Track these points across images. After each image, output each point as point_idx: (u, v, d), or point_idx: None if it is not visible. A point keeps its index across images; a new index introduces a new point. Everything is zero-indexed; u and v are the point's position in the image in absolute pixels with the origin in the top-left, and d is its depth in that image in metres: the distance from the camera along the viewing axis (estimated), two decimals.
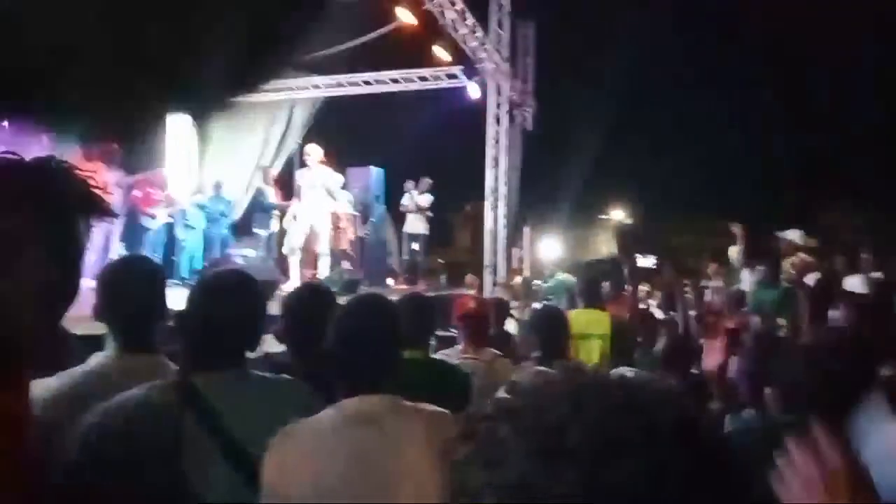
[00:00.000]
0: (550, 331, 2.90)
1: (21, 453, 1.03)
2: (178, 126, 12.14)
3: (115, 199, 7.33)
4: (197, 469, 1.17)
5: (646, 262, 19.58)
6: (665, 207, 23.29)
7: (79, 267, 0.95)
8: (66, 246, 0.92)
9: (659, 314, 5.96)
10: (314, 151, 8.36)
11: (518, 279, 9.66)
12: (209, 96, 12.01)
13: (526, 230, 12.17)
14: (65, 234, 0.92)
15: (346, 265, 9.83)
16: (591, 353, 3.61)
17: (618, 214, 26.61)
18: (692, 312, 4.52)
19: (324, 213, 8.25)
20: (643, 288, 8.38)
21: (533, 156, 11.74)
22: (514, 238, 11.69)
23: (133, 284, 1.60)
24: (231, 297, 1.36)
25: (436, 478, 1.29)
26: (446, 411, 1.44)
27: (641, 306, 6.88)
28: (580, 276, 3.94)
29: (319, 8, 9.31)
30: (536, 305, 5.41)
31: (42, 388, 1.33)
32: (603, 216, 26.21)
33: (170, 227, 9.10)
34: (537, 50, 12.54)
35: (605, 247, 25.02)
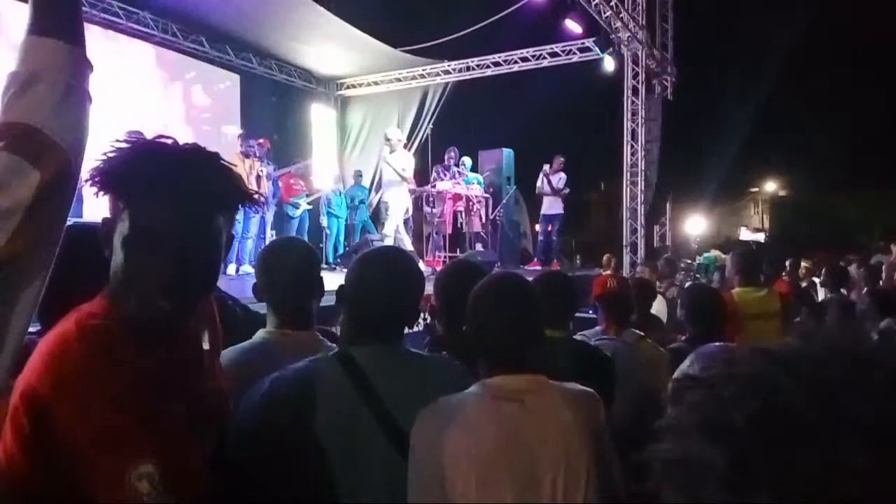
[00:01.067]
0: (704, 310, 2.70)
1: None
2: (321, 117, 12.86)
3: (266, 190, 7.92)
4: (353, 440, 1.20)
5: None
6: (824, 179, 21.01)
7: (219, 254, 1.03)
8: (206, 233, 0.99)
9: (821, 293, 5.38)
10: (397, 134, 8.64)
11: (661, 258, 9.19)
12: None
13: (668, 206, 11.53)
14: (206, 222, 0.99)
15: (479, 247, 9.91)
16: (765, 334, 3.27)
17: (770, 187, 24.43)
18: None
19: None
20: (805, 265, 7.63)
21: (675, 127, 11.02)
22: (655, 215, 11.11)
23: (289, 264, 1.68)
24: (389, 273, 1.38)
25: (584, 455, 1.25)
26: (591, 390, 1.39)
27: (802, 285, 6.27)
28: (739, 252, 3.57)
29: None
30: (685, 285, 5.09)
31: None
32: (753, 189, 24.18)
33: (313, 215, 9.66)
34: (677, 14, 11.74)
35: (755, 222, 23.12)
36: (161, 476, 0.89)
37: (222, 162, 1.04)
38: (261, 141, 8.11)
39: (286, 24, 10.08)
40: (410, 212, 8.80)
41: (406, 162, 8.18)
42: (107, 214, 1.01)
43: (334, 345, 1.61)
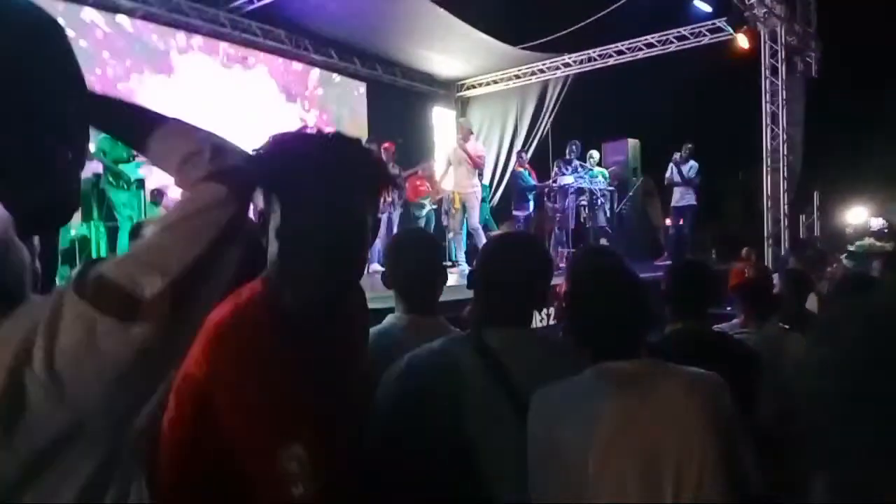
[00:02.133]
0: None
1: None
2: (442, 119, 13.13)
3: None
4: (485, 417, 1.25)
5: None
6: None
7: (367, 239, 1.06)
8: (353, 219, 1.02)
9: None
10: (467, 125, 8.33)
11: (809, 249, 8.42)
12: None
13: (815, 194, 10.53)
14: (353, 207, 1.02)
15: (603, 242, 9.63)
16: None
17: None
18: None
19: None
20: None
21: (822, 108, 10.05)
22: (800, 204, 10.20)
23: (416, 252, 1.76)
24: (520, 257, 1.42)
25: (707, 442, 1.19)
26: (715, 374, 1.32)
27: None
28: None
29: None
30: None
31: None
32: None
33: (437, 215, 9.87)
34: None
35: None
36: (309, 457, 0.94)
37: (365, 146, 1.08)
38: (386, 145, 8.42)
39: (409, 31, 10.45)
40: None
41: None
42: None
43: (458, 329, 1.66)
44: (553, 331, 2.03)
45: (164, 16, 8.91)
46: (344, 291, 1.03)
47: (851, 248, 7.13)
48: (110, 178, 6.55)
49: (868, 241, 6.94)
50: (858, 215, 10.60)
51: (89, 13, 8.23)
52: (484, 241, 7.38)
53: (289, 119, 10.42)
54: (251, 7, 9.31)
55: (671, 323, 2.14)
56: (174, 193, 8.38)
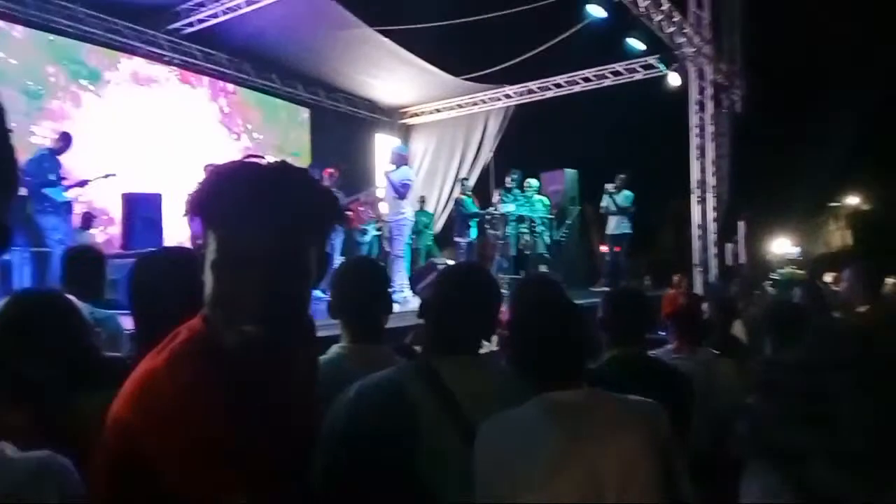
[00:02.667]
0: (789, 329, 2.58)
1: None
2: (385, 145, 13.17)
3: None
4: (434, 446, 1.25)
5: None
6: None
7: (310, 275, 0.99)
8: (294, 255, 0.95)
9: None
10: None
11: (736, 277, 8.85)
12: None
13: (741, 224, 11.10)
14: (294, 243, 0.95)
15: (542, 269, 9.83)
16: None
17: (851, 201, 23.12)
18: None
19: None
20: (892, 280, 7.15)
21: (746, 142, 10.66)
22: (727, 233, 10.72)
23: (361, 283, 1.76)
24: (472, 288, 1.45)
25: (648, 467, 1.24)
26: (653, 401, 1.38)
27: None
28: (864, 265, 3.34)
29: (508, 17, 9.45)
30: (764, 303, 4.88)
31: None
32: (834, 203, 22.92)
33: (380, 240, 9.85)
34: (745, 26, 11.42)
35: (838, 238, 21.89)
36: None
37: (312, 180, 1.00)
38: (330, 171, 8.39)
39: (353, 58, 10.52)
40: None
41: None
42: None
43: (404, 358, 1.66)
44: (496, 358, 2.05)
45: (102, 37, 8.65)
46: (283, 327, 0.94)
47: (775, 275, 7.54)
48: (35, 203, 6.25)
49: (789, 269, 7.35)
50: (781, 245, 11.23)
51: (23, 31, 7.93)
52: (401, 272, 7.42)
53: (229, 144, 10.23)
54: (191, 30, 9.16)
55: (608, 349, 2.20)
56: (104, 216, 8.07)
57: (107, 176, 6.93)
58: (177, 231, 7.48)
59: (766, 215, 11.70)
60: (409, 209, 7.44)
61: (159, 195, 7.38)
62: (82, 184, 6.74)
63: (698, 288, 9.48)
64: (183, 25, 9.10)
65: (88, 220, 7.52)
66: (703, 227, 10.19)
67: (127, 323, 2.08)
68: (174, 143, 9.32)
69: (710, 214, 10.18)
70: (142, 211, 6.88)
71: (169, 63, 9.52)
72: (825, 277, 8.20)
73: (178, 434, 0.86)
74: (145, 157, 8.85)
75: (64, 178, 6.41)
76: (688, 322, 2.84)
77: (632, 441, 1.25)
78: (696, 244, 10.21)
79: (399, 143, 7.88)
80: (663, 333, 3.26)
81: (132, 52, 9.06)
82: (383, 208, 8.46)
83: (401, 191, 7.13)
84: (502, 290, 1.98)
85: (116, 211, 7.82)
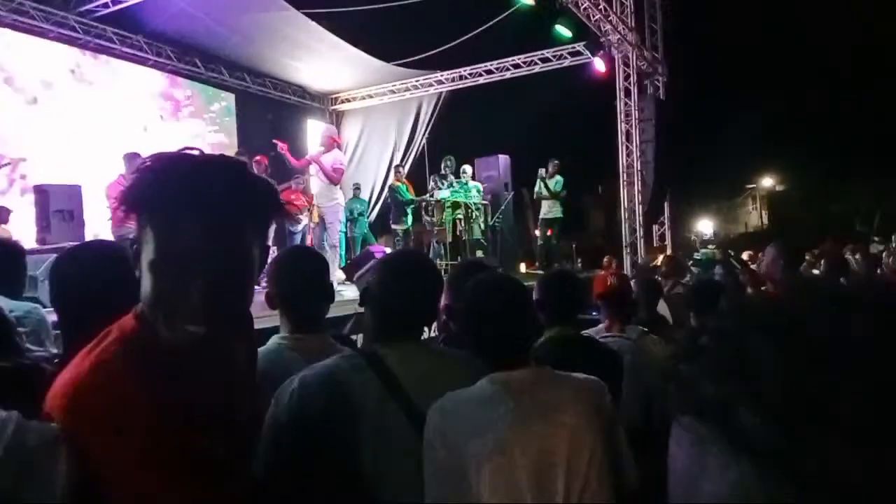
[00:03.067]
0: (712, 304, 2.74)
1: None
2: (316, 131, 12.93)
3: None
4: (381, 432, 1.26)
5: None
6: (820, 172, 21.07)
7: (252, 270, 0.96)
8: (234, 250, 0.92)
9: None
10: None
11: (661, 257, 9.24)
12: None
13: (666, 206, 11.58)
14: (234, 238, 0.93)
15: (479, 254, 9.95)
16: None
17: (767, 182, 24.50)
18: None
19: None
20: (808, 256, 7.67)
21: (669, 127, 11.10)
22: (653, 215, 11.17)
23: (301, 270, 1.74)
24: (416, 275, 1.45)
25: (595, 442, 1.30)
26: (596, 378, 1.44)
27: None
28: (782, 242, 3.53)
29: (438, 2, 9.44)
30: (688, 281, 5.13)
31: None
32: (750, 185, 24.24)
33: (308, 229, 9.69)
34: (666, 15, 11.85)
35: (754, 217, 23.17)
36: None
37: (250, 172, 0.97)
38: (257, 158, 8.17)
39: (280, 42, 10.21)
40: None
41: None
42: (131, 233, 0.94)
43: (346, 347, 1.66)
44: (436, 342, 2.08)
45: (5, 17, 8.06)
46: (223, 325, 0.90)
47: (697, 255, 7.92)
48: None
49: (711, 248, 7.75)
50: (705, 226, 11.81)
51: None
52: (337, 260, 7.28)
53: (150, 133, 9.79)
54: (105, 11, 8.66)
55: (546, 330, 2.27)
56: (18, 213, 7.57)
57: (13, 162, 6.50)
58: (100, 225, 7.13)
59: (690, 198, 12.24)
60: (341, 195, 7.08)
61: (79, 186, 6.98)
62: None
63: (628, 268, 9.85)
64: (97, 7, 8.58)
65: (3, 214, 7.06)
66: (631, 210, 10.57)
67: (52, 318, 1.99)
68: (86, 134, 8.83)
69: (637, 198, 10.56)
70: (59, 203, 6.49)
71: (82, 47, 8.99)
72: (743, 255, 8.69)
73: (114, 442, 0.83)
74: (60, 145, 8.36)
75: None
76: (618, 302, 2.95)
77: (580, 418, 1.30)
78: (624, 226, 10.58)
79: (329, 126, 7.41)
80: (595, 314, 3.38)
81: (41, 34, 8.50)
82: (318, 198, 8.24)
83: (333, 175, 6.72)
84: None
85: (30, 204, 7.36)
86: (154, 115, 10.03)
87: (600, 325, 3.01)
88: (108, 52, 9.30)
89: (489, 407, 1.27)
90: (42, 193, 6.55)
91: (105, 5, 8.56)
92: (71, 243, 5.51)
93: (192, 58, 10.35)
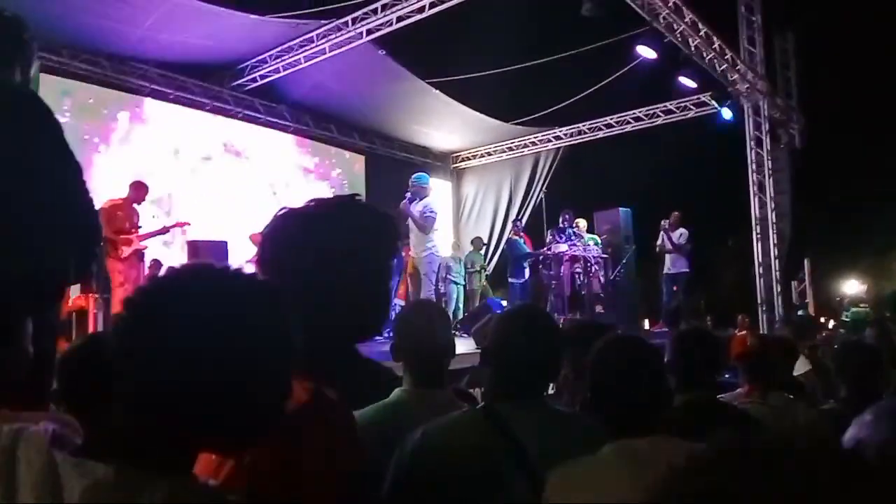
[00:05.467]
0: (862, 368, 2.47)
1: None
2: (438, 189, 13.39)
3: None
4: (499, 488, 1.25)
5: None
6: None
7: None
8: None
9: None
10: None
11: (800, 314, 8.50)
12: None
13: (806, 262, 10.69)
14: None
15: (598, 309, 9.66)
16: None
17: None
18: None
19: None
20: None
21: (807, 176, 10.37)
22: (791, 270, 10.33)
23: (423, 326, 1.78)
24: (531, 331, 1.45)
25: None
26: None
27: None
28: None
29: (556, 61, 9.60)
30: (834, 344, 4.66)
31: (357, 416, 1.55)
32: None
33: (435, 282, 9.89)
34: (799, 60, 11.24)
35: None
36: None
37: (382, 211, 1.06)
38: None
39: (406, 109, 10.93)
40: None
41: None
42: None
43: (465, 404, 1.67)
44: (554, 399, 2.03)
45: (171, 93, 9.22)
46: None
47: (845, 316, 7.20)
48: (108, 248, 6.58)
49: (862, 308, 7.01)
50: (851, 284, 10.76)
51: (96, 91, 8.54)
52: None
53: (295, 192, 10.62)
54: (254, 85, 9.66)
55: (679, 394, 2.15)
56: (170, 262, 8.43)
57: (181, 225, 7.29)
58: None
59: (834, 253, 11.21)
60: (434, 244, 6.84)
61: (225, 242, 7.69)
62: (163, 232, 7.08)
63: (764, 328, 9.13)
64: (247, 81, 9.61)
65: (156, 266, 7.89)
66: (766, 265, 9.86)
67: None
68: (238, 192, 9.75)
69: (773, 252, 9.85)
70: (208, 257, 7.14)
71: (233, 117, 10.03)
72: None
73: None
74: (213, 206, 9.30)
75: (139, 227, 6.72)
76: (759, 364, 2.75)
77: None
78: (759, 283, 9.87)
79: (418, 174, 7.21)
80: (728, 376, 3.16)
81: (200, 107, 9.60)
82: (439, 251, 8.37)
83: (423, 223, 6.56)
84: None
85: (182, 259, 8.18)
86: (293, 176, 10.90)
87: (738, 391, 2.80)
88: (255, 121, 10.30)
89: (611, 477, 1.23)
90: (194, 249, 7.26)
91: (254, 80, 9.55)
92: None
93: (328, 124, 11.21)
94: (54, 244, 2.15)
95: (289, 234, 0.97)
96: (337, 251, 0.95)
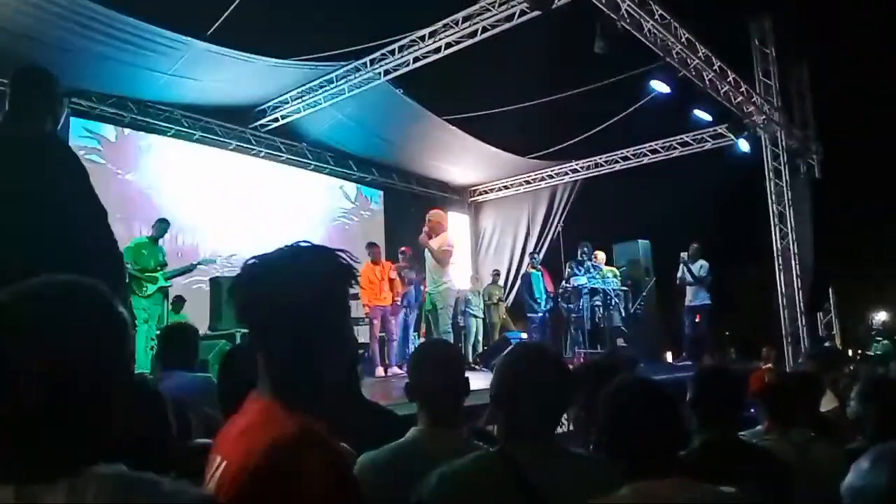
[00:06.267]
0: (886, 404, 2.42)
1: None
2: (455, 223, 13.48)
3: (400, 290, 8.25)
4: None
5: None
6: None
7: None
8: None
9: None
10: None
11: (826, 346, 8.32)
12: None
13: (831, 292, 10.51)
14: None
15: (619, 342, 9.56)
16: None
17: None
18: None
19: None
20: None
21: (828, 206, 10.26)
22: (816, 302, 10.16)
23: (437, 365, 1.80)
24: (545, 373, 1.46)
25: None
26: (738, 492, 1.34)
27: None
28: None
29: (571, 96, 9.72)
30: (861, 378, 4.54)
31: (369, 457, 1.57)
32: None
33: (453, 315, 9.88)
34: (816, 90, 11.23)
35: None
36: None
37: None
38: (403, 249, 8.66)
39: (424, 145, 11.12)
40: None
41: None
42: None
43: (481, 443, 1.68)
44: (567, 440, 2.02)
45: (195, 133, 9.48)
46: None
47: (874, 349, 7.04)
48: (133, 286, 6.72)
49: (888, 341, 6.85)
50: (880, 315, 10.54)
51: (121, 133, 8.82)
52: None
53: (310, 227, 10.77)
54: (275, 125, 9.91)
55: (699, 432, 2.12)
56: (192, 301, 8.52)
57: (207, 262, 7.44)
58: None
59: (859, 283, 11.00)
60: (451, 279, 6.86)
61: None
62: (189, 270, 7.23)
63: (789, 361, 8.95)
64: (268, 121, 9.86)
65: (179, 302, 8.01)
66: (790, 296, 9.71)
67: None
68: (258, 225, 9.91)
69: (796, 283, 9.71)
70: (229, 294, 7.23)
71: (255, 156, 10.26)
72: None
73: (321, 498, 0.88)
74: (235, 241, 9.46)
75: (165, 264, 6.85)
76: (777, 401, 2.70)
77: None
78: (783, 314, 9.71)
79: (435, 211, 7.24)
80: (752, 411, 3.10)
81: (223, 147, 9.85)
82: (457, 284, 8.36)
83: (440, 258, 6.62)
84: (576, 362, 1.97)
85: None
86: (315, 212, 11.06)
87: (759, 427, 2.75)
88: (276, 160, 10.52)
89: None
90: (216, 285, 7.36)
91: (275, 120, 9.80)
92: (239, 331, 6.07)
93: (347, 161, 11.41)
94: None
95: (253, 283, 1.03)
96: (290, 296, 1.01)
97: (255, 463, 0.89)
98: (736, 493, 1.33)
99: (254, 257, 1.06)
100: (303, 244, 1.07)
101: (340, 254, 1.06)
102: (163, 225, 6.93)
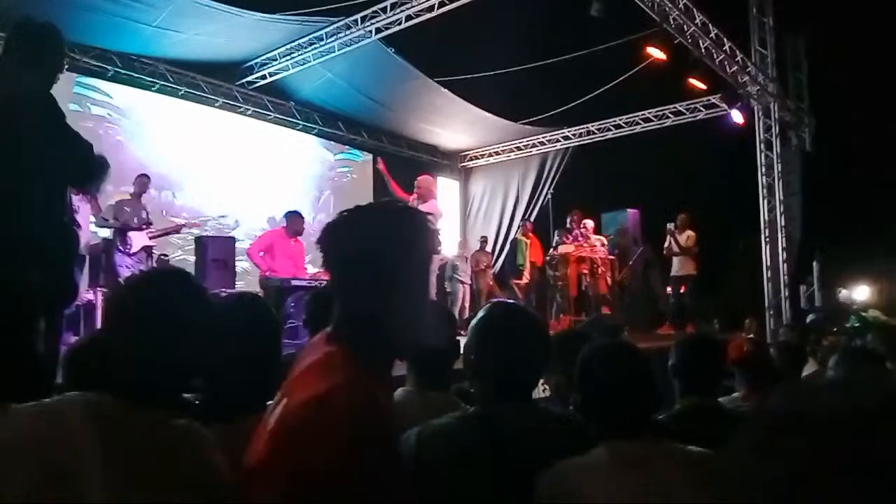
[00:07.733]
0: (866, 374, 2.46)
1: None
2: (446, 188, 13.41)
3: None
4: (492, 491, 1.27)
5: None
6: None
7: None
8: None
9: None
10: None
11: (812, 318, 8.44)
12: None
13: (815, 265, 10.61)
14: None
15: (604, 310, 9.64)
16: None
17: None
18: None
19: None
20: None
21: (818, 179, 10.28)
22: (800, 274, 10.27)
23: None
24: (524, 335, 1.45)
25: None
26: (713, 452, 1.35)
27: None
28: None
29: (565, 61, 9.57)
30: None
31: None
32: None
33: (440, 280, 9.91)
34: (812, 61, 11.14)
35: None
36: None
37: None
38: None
39: (415, 107, 10.93)
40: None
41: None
42: None
43: (467, 405, 1.68)
44: (552, 404, 2.04)
45: (180, 89, 9.26)
46: None
47: (853, 322, 7.15)
48: (118, 243, 6.64)
49: (872, 312, 6.96)
50: (862, 288, 10.68)
51: (107, 86, 8.60)
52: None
53: (297, 187, 10.65)
54: (263, 82, 9.69)
55: (681, 398, 2.15)
56: (178, 259, 8.47)
57: (194, 226, 7.44)
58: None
59: (843, 257, 11.10)
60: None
61: (233, 238, 7.73)
62: (175, 230, 7.20)
63: (770, 332, 9.08)
64: (256, 78, 9.64)
65: (165, 263, 7.94)
66: (775, 268, 9.80)
67: None
68: (248, 185, 9.79)
69: (781, 255, 9.79)
70: (215, 253, 7.17)
71: (242, 114, 10.06)
72: None
73: (358, 457, 0.87)
74: (223, 199, 9.36)
75: (150, 223, 6.77)
76: (754, 369, 2.75)
77: (693, 495, 1.23)
78: (766, 286, 9.81)
79: (424, 176, 7.27)
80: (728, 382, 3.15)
81: (210, 104, 9.64)
82: (445, 250, 8.43)
83: None
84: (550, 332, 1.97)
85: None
86: (303, 172, 10.93)
87: (735, 394, 2.81)
88: (264, 118, 10.32)
89: (601, 479, 1.24)
90: (202, 245, 7.28)
91: (263, 77, 9.58)
92: (225, 290, 6.05)
93: (336, 121, 11.22)
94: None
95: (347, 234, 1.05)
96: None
97: (288, 419, 0.92)
98: (707, 453, 1.34)
99: (346, 210, 1.07)
100: (397, 202, 1.10)
101: (430, 217, 1.09)
102: (142, 179, 6.90)
